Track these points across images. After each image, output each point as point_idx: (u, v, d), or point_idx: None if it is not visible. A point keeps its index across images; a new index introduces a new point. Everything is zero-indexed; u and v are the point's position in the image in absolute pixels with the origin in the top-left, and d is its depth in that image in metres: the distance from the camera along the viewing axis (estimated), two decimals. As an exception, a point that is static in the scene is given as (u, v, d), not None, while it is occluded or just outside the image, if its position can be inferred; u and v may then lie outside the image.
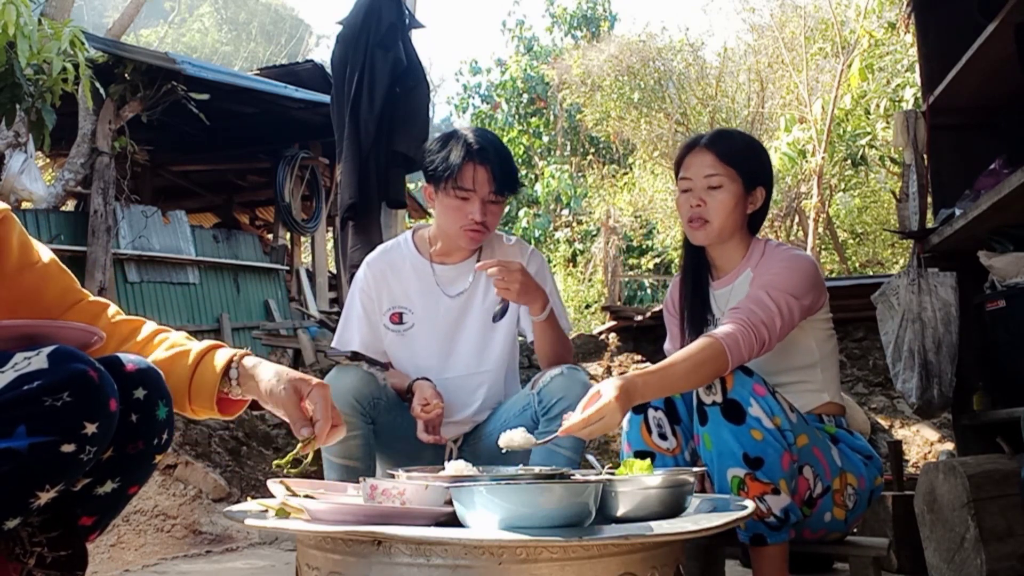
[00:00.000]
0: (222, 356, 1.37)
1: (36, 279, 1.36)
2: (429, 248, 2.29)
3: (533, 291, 2.08)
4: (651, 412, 1.84)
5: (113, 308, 1.44)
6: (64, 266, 1.43)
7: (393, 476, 1.47)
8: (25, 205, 6.89)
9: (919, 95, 3.99)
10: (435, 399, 2.11)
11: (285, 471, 1.35)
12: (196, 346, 1.38)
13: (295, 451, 1.34)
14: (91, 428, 1.06)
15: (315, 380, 1.36)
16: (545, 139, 15.61)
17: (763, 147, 2.16)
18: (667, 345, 2.20)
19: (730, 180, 1.95)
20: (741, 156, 1.99)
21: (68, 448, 1.05)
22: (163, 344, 1.39)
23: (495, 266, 2.03)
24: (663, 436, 1.83)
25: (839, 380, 2.04)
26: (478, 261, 2.23)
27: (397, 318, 2.27)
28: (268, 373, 1.34)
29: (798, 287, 1.83)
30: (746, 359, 1.73)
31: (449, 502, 1.23)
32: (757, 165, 2.01)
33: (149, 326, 1.43)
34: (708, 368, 1.69)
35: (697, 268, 2.08)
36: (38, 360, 1.05)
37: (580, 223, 13.83)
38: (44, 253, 1.39)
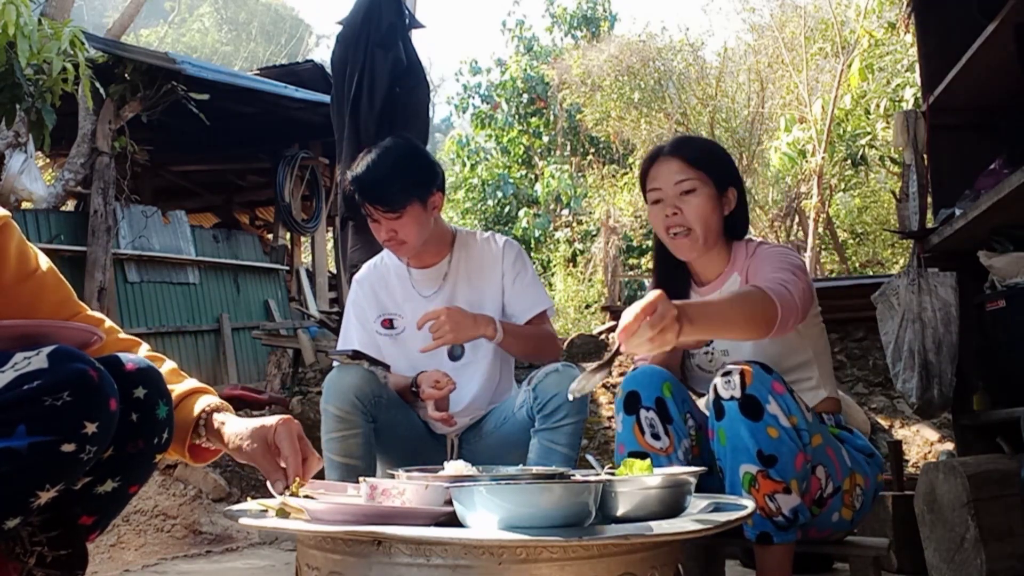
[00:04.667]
0: (199, 405, 1.36)
1: (33, 290, 1.35)
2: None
3: (470, 325, 2.14)
4: (643, 412, 1.83)
5: (109, 323, 1.43)
6: (62, 276, 1.41)
7: (393, 476, 1.47)
8: (25, 205, 6.89)
9: (919, 95, 3.99)
10: (445, 378, 2.15)
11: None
12: (180, 387, 1.37)
13: (281, 498, 1.30)
14: (91, 428, 1.06)
15: (278, 419, 1.35)
16: (545, 139, 15.58)
17: (725, 150, 2.13)
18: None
19: (702, 183, 1.90)
20: (708, 158, 1.94)
21: (68, 448, 1.05)
22: None
23: (423, 321, 2.13)
24: (656, 436, 1.82)
25: (833, 374, 2.03)
26: (450, 262, 2.35)
27: (388, 323, 2.36)
28: (233, 430, 1.34)
29: (804, 272, 1.82)
30: (791, 316, 1.65)
31: (449, 502, 1.23)
32: (724, 166, 1.98)
33: (142, 350, 1.41)
34: (758, 309, 1.60)
35: (675, 278, 2.01)
36: (38, 360, 1.05)
37: (580, 223, 13.82)
38: (43, 261, 1.38)
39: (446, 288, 2.34)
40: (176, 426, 1.32)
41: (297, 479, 1.32)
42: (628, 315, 1.39)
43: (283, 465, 1.34)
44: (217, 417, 1.37)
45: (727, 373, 1.70)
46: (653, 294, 1.41)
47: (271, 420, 1.35)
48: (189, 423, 1.35)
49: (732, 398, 1.68)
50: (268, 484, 1.35)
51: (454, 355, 2.29)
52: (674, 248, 1.94)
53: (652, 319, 1.37)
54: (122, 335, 1.43)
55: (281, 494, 1.31)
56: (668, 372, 1.87)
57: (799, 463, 1.68)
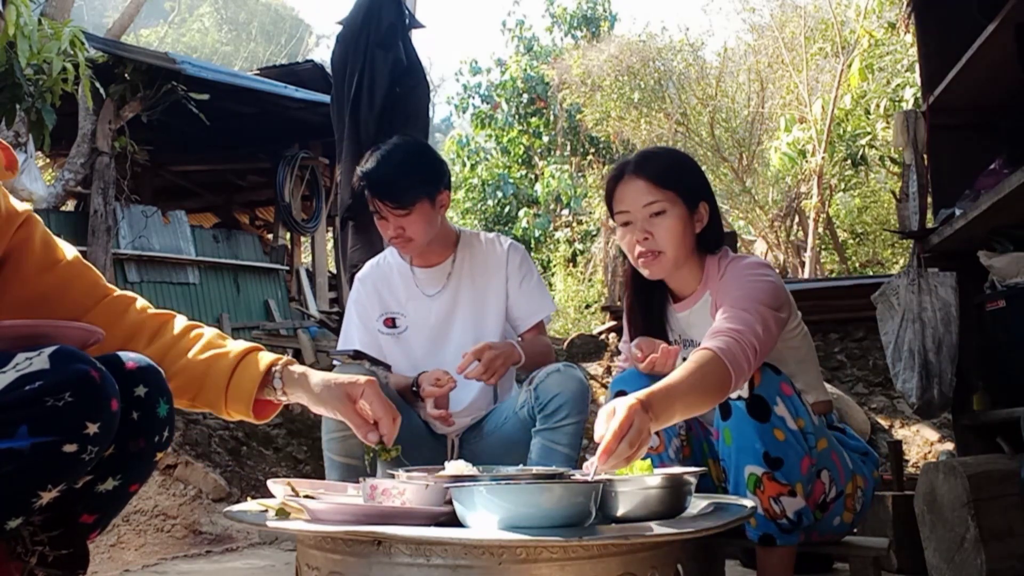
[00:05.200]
0: (264, 360, 1.38)
1: (61, 277, 1.37)
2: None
3: (508, 355, 2.15)
4: None
5: (141, 301, 1.44)
6: (88, 263, 1.43)
7: (393, 476, 1.47)
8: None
9: (919, 95, 3.99)
10: (446, 376, 2.15)
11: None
12: (235, 347, 1.40)
13: (378, 452, 1.39)
14: (93, 428, 1.06)
15: (363, 379, 1.38)
16: (545, 139, 15.57)
17: (693, 160, 2.04)
18: (623, 344, 2.11)
19: (671, 203, 1.82)
20: (675, 174, 1.85)
21: (70, 448, 1.05)
22: (199, 342, 1.40)
23: (468, 364, 2.09)
24: None
25: (820, 377, 1.99)
26: (454, 262, 2.34)
27: (390, 322, 2.36)
28: (317, 381, 1.37)
29: (770, 298, 1.72)
30: (742, 378, 1.57)
31: (449, 502, 1.23)
32: (693, 180, 1.89)
33: (180, 320, 1.44)
34: (715, 387, 1.52)
35: (650, 294, 1.96)
36: (39, 360, 1.05)
37: (580, 223, 13.82)
38: (68, 251, 1.40)
39: (450, 288, 2.34)
40: (240, 387, 1.35)
41: (386, 442, 1.37)
42: (607, 433, 1.29)
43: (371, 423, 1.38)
44: (295, 368, 1.39)
45: None
46: (625, 405, 1.31)
47: (359, 378, 1.39)
48: (255, 378, 1.36)
49: (740, 398, 1.66)
50: (360, 437, 1.38)
51: (497, 397, 2.31)
52: (643, 270, 1.88)
53: (630, 436, 1.28)
54: (153, 310, 1.44)
55: (377, 445, 1.36)
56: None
57: (804, 467, 1.67)
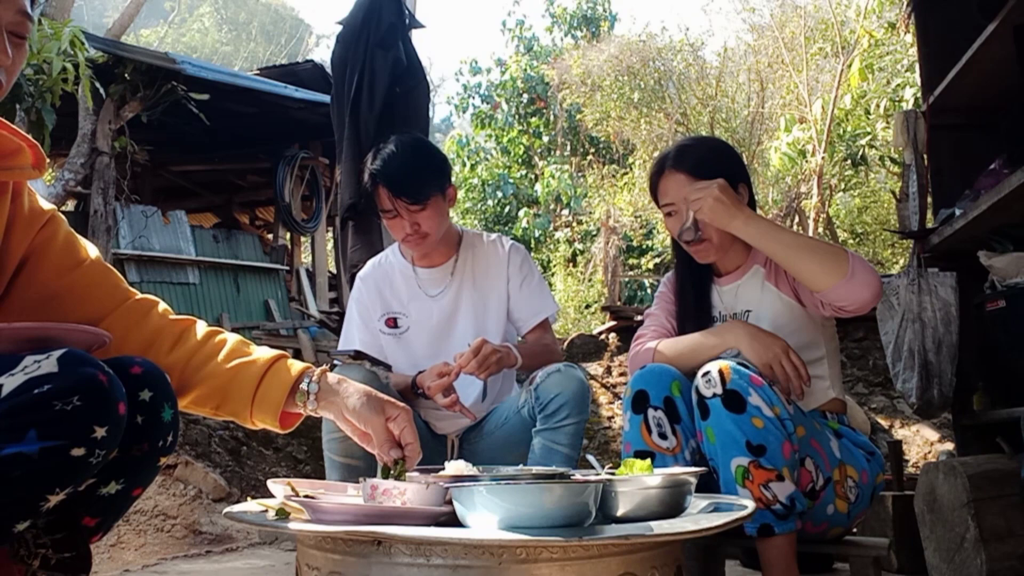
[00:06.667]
0: (294, 369, 1.37)
1: (83, 278, 1.36)
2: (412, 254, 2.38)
3: (505, 354, 2.12)
4: (651, 412, 1.84)
5: (163, 305, 1.43)
6: (108, 265, 1.42)
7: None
8: (25, 205, 6.88)
9: (919, 95, 3.99)
10: (447, 367, 2.13)
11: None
12: (261, 355, 1.38)
13: (390, 469, 1.35)
14: (100, 432, 1.06)
15: (400, 404, 1.37)
16: (545, 139, 15.57)
17: (727, 144, 2.17)
18: (645, 328, 2.15)
19: None
20: (712, 163, 1.98)
21: (78, 452, 1.04)
22: (223, 349, 1.38)
23: (465, 364, 2.06)
24: (663, 436, 1.83)
25: (841, 376, 2.05)
26: (456, 262, 2.34)
27: (392, 322, 2.35)
28: (356, 391, 1.36)
29: None
30: (868, 277, 1.76)
31: (449, 502, 1.23)
32: (730, 165, 2.01)
33: (201, 326, 1.42)
34: (826, 253, 1.77)
35: (698, 270, 2.07)
36: (48, 364, 1.05)
37: (580, 223, 13.81)
38: (92, 251, 1.39)
39: (452, 288, 2.33)
40: (267, 397, 1.34)
41: (405, 464, 1.36)
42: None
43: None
44: (332, 377, 1.38)
45: (706, 373, 1.73)
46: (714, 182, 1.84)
47: (397, 402, 1.38)
48: (285, 386, 1.34)
49: (715, 395, 1.70)
50: (377, 451, 1.36)
51: (486, 395, 2.30)
52: (695, 255, 2.01)
53: (698, 195, 1.85)
54: (174, 316, 1.42)
55: (393, 465, 1.34)
56: (678, 371, 1.87)
57: (787, 451, 1.70)
